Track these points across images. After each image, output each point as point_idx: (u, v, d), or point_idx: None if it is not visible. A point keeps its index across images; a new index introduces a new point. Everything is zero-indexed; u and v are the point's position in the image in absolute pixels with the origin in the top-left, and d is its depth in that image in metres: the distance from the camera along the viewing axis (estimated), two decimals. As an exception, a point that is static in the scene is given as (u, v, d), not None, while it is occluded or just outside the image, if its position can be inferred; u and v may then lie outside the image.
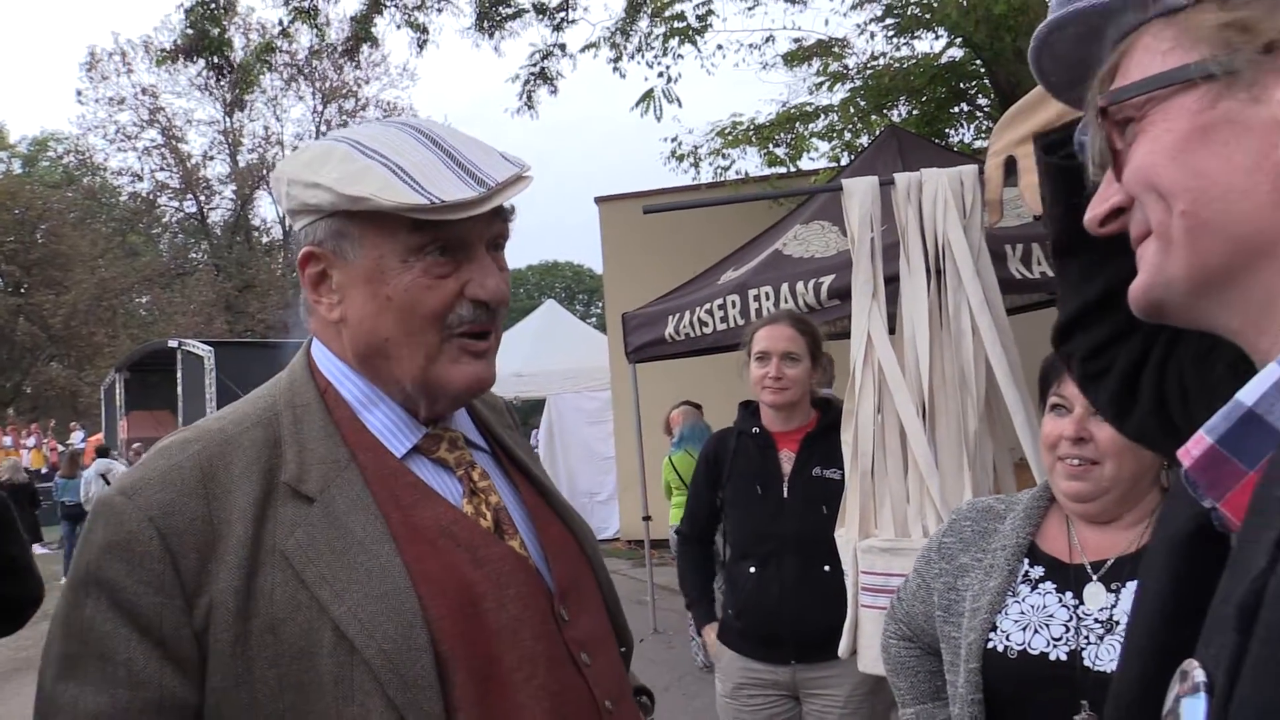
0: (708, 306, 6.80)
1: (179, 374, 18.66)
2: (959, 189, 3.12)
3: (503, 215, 1.28)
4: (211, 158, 35.06)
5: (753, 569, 3.29)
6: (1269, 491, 0.66)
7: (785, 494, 3.30)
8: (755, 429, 3.41)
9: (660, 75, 10.74)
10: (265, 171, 34.70)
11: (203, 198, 35.12)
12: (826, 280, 5.93)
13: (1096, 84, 0.83)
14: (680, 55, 10.73)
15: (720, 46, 13.62)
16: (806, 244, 6.81)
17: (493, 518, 1.31)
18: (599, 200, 13.30)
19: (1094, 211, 0.83)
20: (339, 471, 1.22)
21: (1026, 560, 1.87)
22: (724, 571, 3.61)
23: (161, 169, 34.42)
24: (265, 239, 37.32)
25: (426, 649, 1.14)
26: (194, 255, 36.17)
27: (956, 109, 10.72)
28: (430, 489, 1.28)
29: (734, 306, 6.57)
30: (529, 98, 12.07)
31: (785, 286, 6.18)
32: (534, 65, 11.87)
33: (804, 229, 6.99)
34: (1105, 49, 0.82)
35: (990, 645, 1.82)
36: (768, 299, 6.29)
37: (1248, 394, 0.71)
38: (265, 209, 38.44)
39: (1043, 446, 1.86)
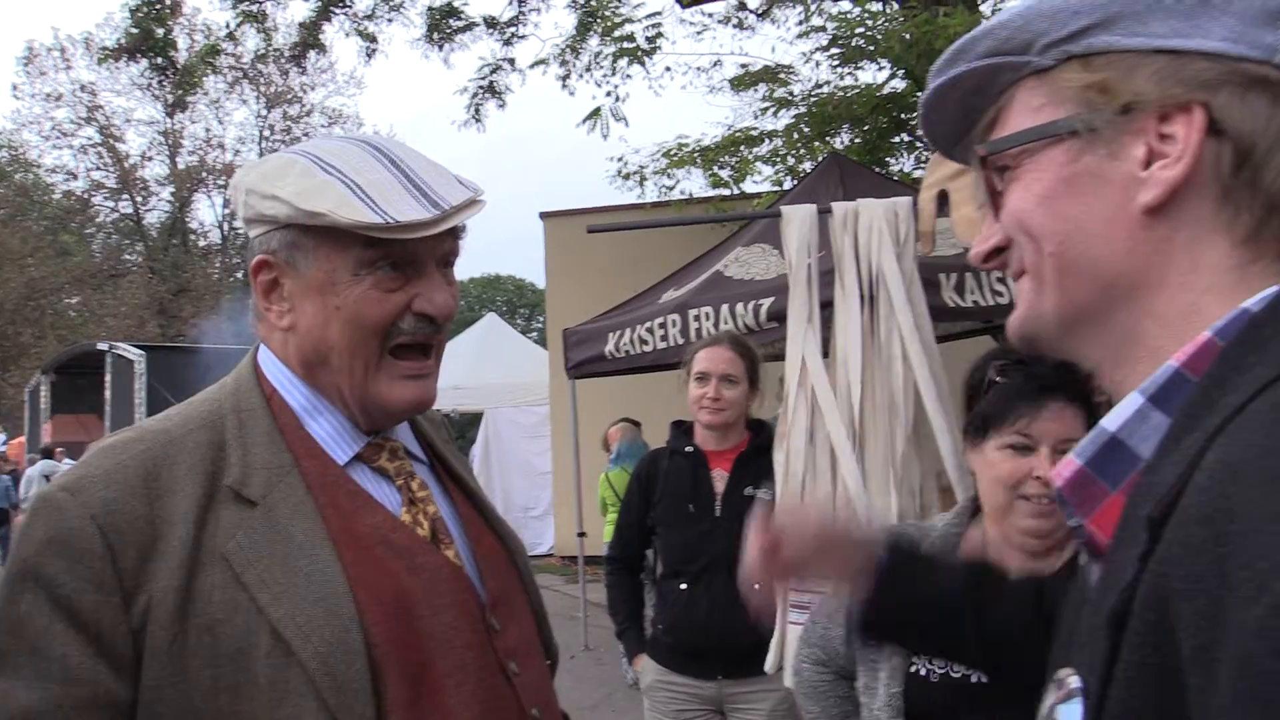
0: (648, 325, 6.85)
1: (108, 378, 18.21)
2: (894, 219, 3.21)
3: (454, 234, 1.32)
4: (150, 158, 34.33)
5: (683, 586, 3.33)
6: (1134, 511, 0.71)
7: (718, 512, 3.34)
8: (688, 448, 3.46)
9: (608, 94, 10.84)
10: (205, 174, 34.15)
11: (139, 198, 34.37)
12: (766, 303, 6.01)
13: (978, 133, 0.90)
14: (629, 75, 10.85)
15: (669, 68, 13.73)
16: (747, 266, 6.89)
17: (430, 527, 1.34)
18: (544, 215, 13.33)
19: (977, 249, 0.90)
20: (282, 476, 1.25)
21: None
22: (655, 587, 3.65)
23: (98, 168, 33.62)
24: (203, 242, 36.68)
25: (361, 653, 1.17)
26: (128, 257, 35.33)
27: (897, 139, 10.92)
28: (370, 497, 1.32)
29: (674, 326, 6.63)
30: (477, 110, 12.08)
31: (725, 307, 6.26)
32: (483, 79, 11.89)
33: (745, 251, 7.07)
34: (987, 103, 0.89)
35: (912, 669, 1.85)
36: (708, 319, 6.36)
37: (1111, 421, 0.78)
38: (203, 212, 37.81)
39: (998, 484, 1.81)
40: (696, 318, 6.45)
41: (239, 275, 35.52)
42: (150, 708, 1.14)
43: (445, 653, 1.26)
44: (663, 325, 6.73)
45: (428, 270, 1.30)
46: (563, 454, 10.81)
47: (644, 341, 6.92)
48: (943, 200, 2.72)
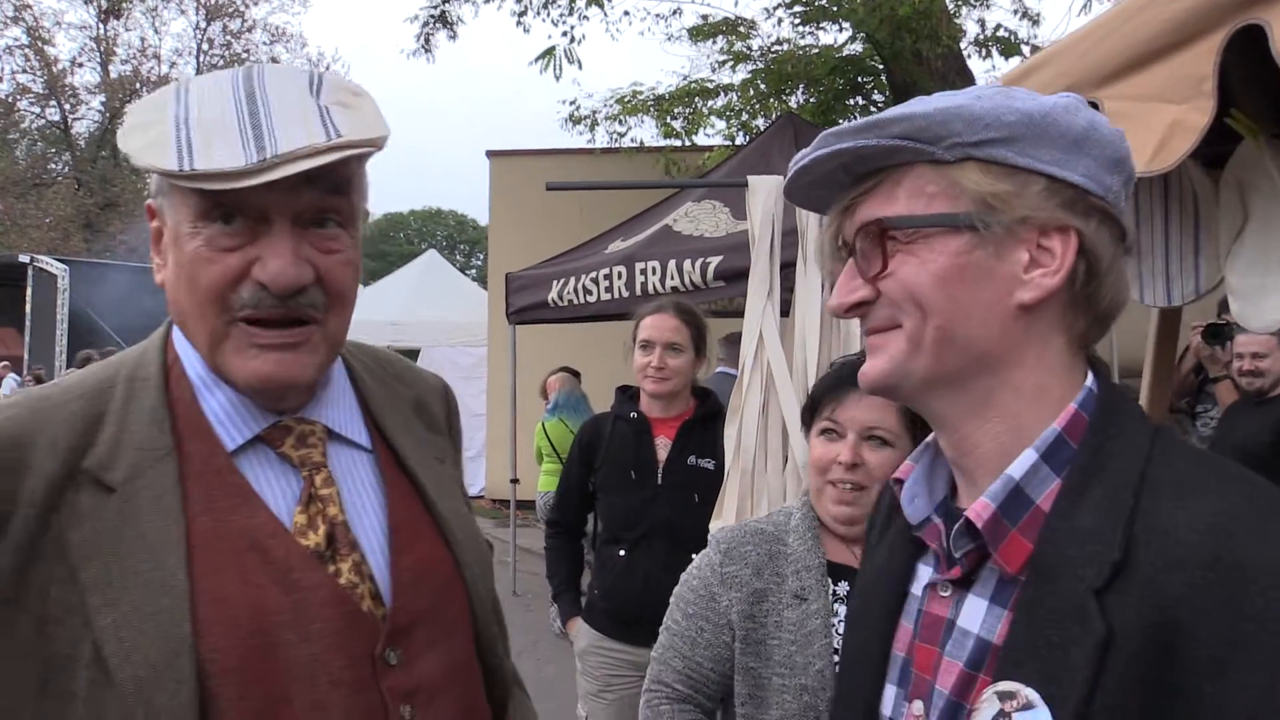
0: (593, 275, 6.78)
1: (29, 291, 17.64)
2: (859, 195, 3.16)
3: (324, 186, 1.10)
4: (80, 65, 32.93)
5: (622, 552, 3.31)
6: (1058, 550, 0.90)
7: (659, 480, 3.32)
8: (633, 414, 3.42)
9: (564, 35, 10.61)
10: (138, 85, 32.92)
11: (67, 106, 33.08)
12: (714, 261, 5.97)
13: (856, 194, 1.00)
14: (586, 16, 10.62)
15: (627, 13, 13.52)
16: (697, 222, 6.84)
17: (325, 533, 1.14)
18: (491, 154, 13.09)
19: (841, 300, 1.02)
20: (153, 462, 1.09)
21: (830, 579, 1.86)
22: (594, 551, 3.62)
23: (24, 71, 32.23)
24: (133, 156, 35.40)
25: (188, 680, 1.00)
26: (54, 166, 34.07)
27: (852, 101, 10.89)
28: (253, 493, 1.13)
29: (620, 278, 6.57)
30: (427, 40, 11.77)
31: (673, 263, 6.21)
32: (434, 7, 11.57)
33: (695, 207, 7.02)
34: (866, 169, 0.99)
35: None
36: (654, 274, 6.32)
37: (1015, 471, 0.95)
38: (136, 125, 36.16)
39: (812, 469, 1.90)
40: (643, 271, 6.39)
41: (170, 193, 34.43)
42: None
43: (306, 688, 1.07)
44: (608, 277, 6.67)
45: (277, 229, 1.08)
46: (499, 398, 10.73)
47: (588, 292, 6.85)
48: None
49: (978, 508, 0.95)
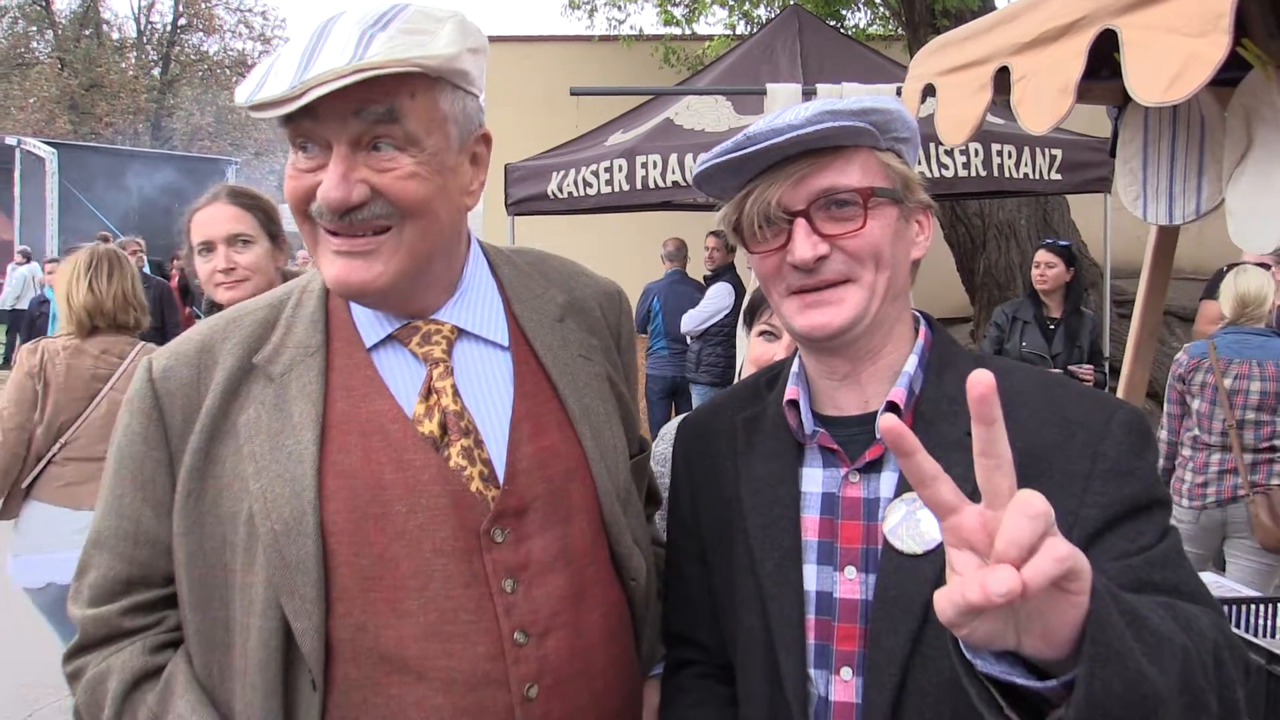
0: (593, 168, 6.75)
1: (17, 175, 17.45)
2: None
3: (372, 116, 1.18)
4: (59, -63, 31.90)
5: None
6: (934, 407, 1.27)
7: None
8: None
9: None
10: (119, -40, 31.82)
11: (48, -19, 32.06)
12: (716, 157, 5.95)
13: (807, 170, 1.22)
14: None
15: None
16: (699, 116, 6.79)
17: (439, 421, 1.29)
18: (488, 40, 12.83)
19: (815, 253, 1.23)
20: (305, 357, 1.31)
21: None
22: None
23: (0, -57, 31.17)
24: (117, 35, 34.54)
25: (312, 535, 1.22)
26: (36, 45, 33.22)
27: (857, -7, 10.66)
28: (382, 384, 1.31)
29: (620, 171, 6.55)
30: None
31: (674, 157, 6.20)
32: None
33: (697, 100, 6.96)
34: (827, 146, 1.22)
35: None
36: (655, 167, 6.31)
37: (909, 368, 1.29)
38: (118, 2, 35.22)
39: (750, 365, 2.08)
40: (644, 165, 6.38)
41: (155, 73, 33.71)
42: (175, 550, 1.29)
43: (412, 553, 1.24)
44: (608, 170, 6.64)
45: (334, 155, 1.20)
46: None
47: (588, 184, 6.83)
48: (928, 93, 2.74)
49: (896, 394, 1.27)
